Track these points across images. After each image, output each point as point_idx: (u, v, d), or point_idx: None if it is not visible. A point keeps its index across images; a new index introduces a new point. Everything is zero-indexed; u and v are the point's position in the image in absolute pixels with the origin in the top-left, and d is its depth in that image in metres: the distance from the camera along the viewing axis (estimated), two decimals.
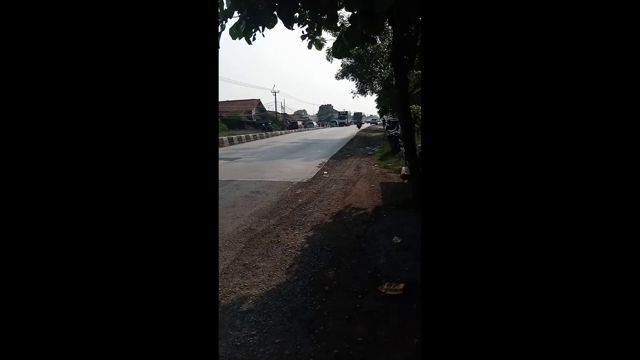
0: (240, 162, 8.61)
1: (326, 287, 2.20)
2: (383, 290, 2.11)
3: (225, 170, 7.23)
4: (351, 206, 4.14)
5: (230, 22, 2.21)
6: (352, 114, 52.41)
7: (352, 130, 25.95)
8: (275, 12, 2.18)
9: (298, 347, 1.65)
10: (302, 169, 7.22)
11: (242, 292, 2.18)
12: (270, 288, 2.23)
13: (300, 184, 5.60)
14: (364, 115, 64.84)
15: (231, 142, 14.99)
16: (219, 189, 5.28)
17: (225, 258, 2.70)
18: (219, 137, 14.62)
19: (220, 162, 8.65)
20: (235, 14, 2.09)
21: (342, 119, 52.16)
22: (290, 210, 4.04)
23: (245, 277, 2.38)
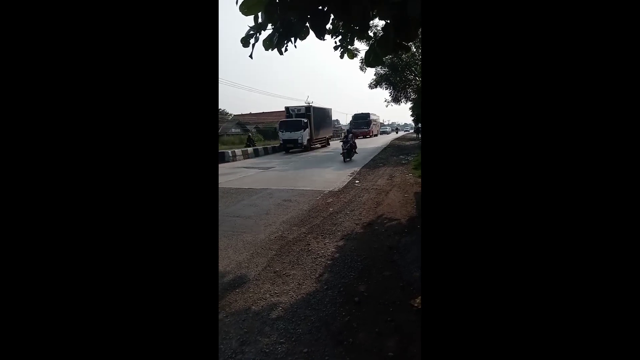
0: (274, 171, 8.80)
1: (356, 299, 2.15)
2: (416, 305, 2.02)
3: (260, 179, 7.43)
4: (383, 216, 4.05)
5: (264, 34, 2.29)
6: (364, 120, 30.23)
7: (385, 139, 25.67)
8: (307, 24, 2.23)
9: (326, 358, 1.62)
10: (333, 178, 7.22)
11: (272, 299, 2.20)
12: (299, 296, 2.22)
13: (332, 193, 5.59)
14: (397, 124, 53.81)
15: (266, 151, 15.42)
16: (254, 197, 5.43)
17: (257, 265, 2.74)
18: (256, 147, 15.13)
19: (255, 170, 8.92)
20: (269, 26, 2.16)
21: (359, 126, 28.70)
22: (321, 218, 4.04)
23: (275, 285, 2.39)
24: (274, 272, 2.60)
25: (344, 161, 10.19)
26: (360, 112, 31.55)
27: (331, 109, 21.68)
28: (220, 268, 2.71)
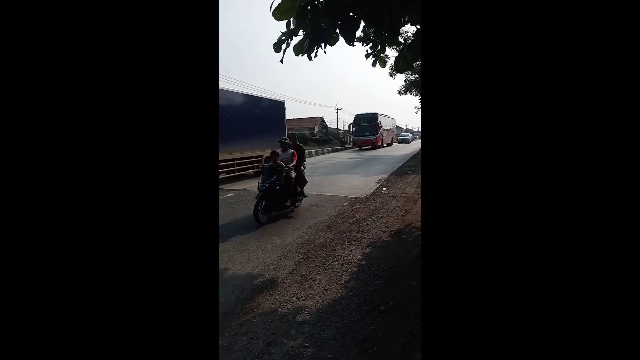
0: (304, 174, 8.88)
1: (382, 307, 2.10)
2: None
3: None
4: (411, 225, 3.94)
5: (295, 40, 2.34)
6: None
7: (412, 146, 25.00)
8: (337, 30, 2.25)
9: None
10: (360, 184, 7.16)
11: (298, 302, 2.20)
12: (325, 302, 2.21)
13: (359, 200, 5.54)
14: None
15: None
16: None
17: (284, 268, 2.77)
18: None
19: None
20: (300, 32, 2.21)
21: (361, 132, 21.46)
22: (348, 225, 4.01)
23: (302, 288, 2.40)
24: (301, 276, 2.61)
25: (259, 223, 4.06)
26: (371, 112, 21.05)
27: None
28: (249, 269, 2.77)
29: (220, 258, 3.03)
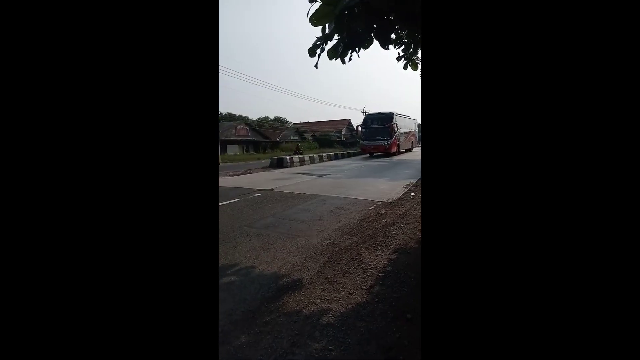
0: (327, 179, 8.92)
1: (408, 315, 2.06)
2: None
3: (314, 185, 7.58)
4: None
5: (329, 45, 2.36)
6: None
7: None
8: (372, 34, 2.25)
9: None
10: (387, 188, 7.06)
11: (322, 304, 2.21)
12: (350, 306, 2.20)
13: (385, 204, 5.47)
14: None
15: (321, 159, 15.73)
16: (308, 203, 5.56)
17: (309, 269, 2.79)
18: (312, 155, 15.52)
19: (310, 177, 9.13)
20: (335, 36, 2.23)
21: (372, 136, 17.63)
22: (374, 229, 3.97)
23: (326, 291, 2.41)
24: (325, 279, 2.61)
25: None
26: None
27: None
28: (275, 269, 2.81)
29: (247, 256, 3.11)
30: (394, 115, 17.70)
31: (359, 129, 19.17)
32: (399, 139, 18.37)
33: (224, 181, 8.74)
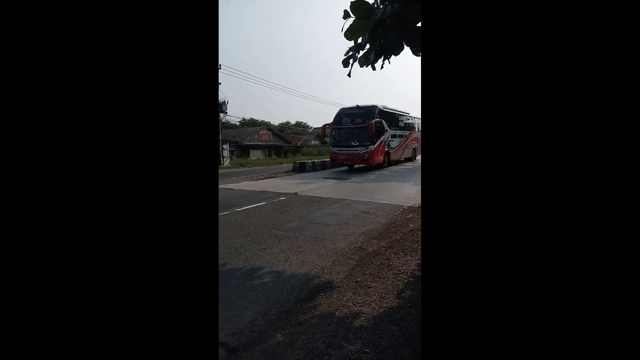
0: (350, 182, 8.93)
1: None
2: None
3: (337, 189, 7.63)
4: None
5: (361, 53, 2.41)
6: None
7: None
8: (403, 42, 2.28)
9: None
10: (413, 193, 6.98)
11: (354, 308, 2.24)
12: (382, 310, 2.22)
13: (412, 209, 5.42)
14: None
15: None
16: (333, 206, 5.60)
17: (339, 272, 2.83)
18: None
19: (332, 181, 9.18)
20: (367, 46, 2.28)
21: (344, 140, 11.89)
22: (401, 234, 3.95)
23: (357, 294, 2.44)
24: (356, 282, 2.64)
25: None
26: (366, 105, 12.13)
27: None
28: (305, 271, 2.88)
29: (277, 258, 3.19)
30: (378, 110, 11.87)
31: (327, 130, 13.23)
32: (389, 144, 12.74)
33: (250, 185, 8.97)
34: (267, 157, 28.74)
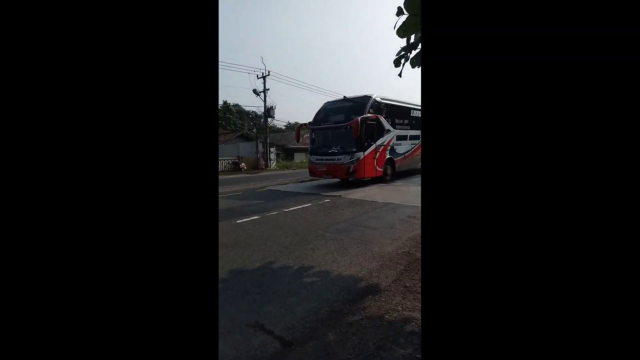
0: (394, 185, 8.74)
1: None
2: None
3: (381, 192, 7.52)
4: None
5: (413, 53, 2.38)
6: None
7: None
8: None
9: None
10: None
11: (404, 312, 2.21)
12: None
13: None
14: None
15: None
16: (378, 210, 5.55)
17: (386, 276, 2.81)
18: None
19: (376, 184, 9.05)
20: (419, 46, 2.24)
21: (324, 146, 8.48)
22: None
23: (406, 299, 2.39)
24: (404, 287, 2.60)
25: None
26: (356, 96, 8.73)
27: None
28: (353, 273, 2.89)
29: (325, 259, 3.25)
30: (373, 102, 8.56)
31: (300, 132, 10.57)
32: (394, 149, 9.41)
33: (295, 187, 9.19)
34: None
